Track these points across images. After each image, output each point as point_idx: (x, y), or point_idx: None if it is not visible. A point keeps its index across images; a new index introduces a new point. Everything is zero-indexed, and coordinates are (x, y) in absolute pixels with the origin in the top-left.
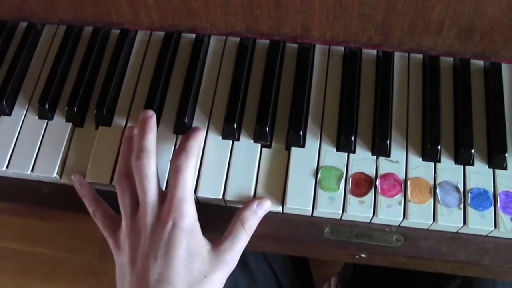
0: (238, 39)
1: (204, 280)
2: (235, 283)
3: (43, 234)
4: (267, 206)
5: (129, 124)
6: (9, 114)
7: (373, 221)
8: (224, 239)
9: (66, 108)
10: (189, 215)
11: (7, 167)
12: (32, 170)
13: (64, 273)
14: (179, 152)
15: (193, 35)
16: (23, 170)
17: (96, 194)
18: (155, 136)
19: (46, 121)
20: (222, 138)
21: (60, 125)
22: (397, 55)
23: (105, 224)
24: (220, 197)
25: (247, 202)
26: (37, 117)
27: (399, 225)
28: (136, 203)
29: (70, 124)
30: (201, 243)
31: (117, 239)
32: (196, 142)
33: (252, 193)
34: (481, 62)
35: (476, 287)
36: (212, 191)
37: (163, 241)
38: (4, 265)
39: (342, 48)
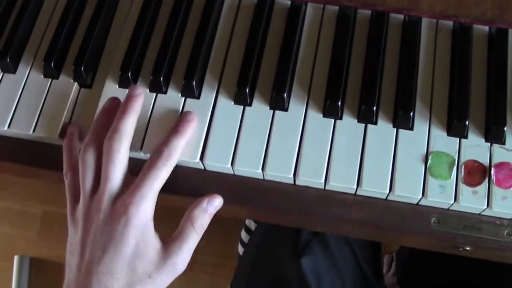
0: (337, 7)
1: (148, 280)
2: (315, 265)
3: None
4: (218, 203)
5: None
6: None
7: (483, 213)
8: (173, 240)
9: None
10: (144, 214)
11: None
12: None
13: None
14: (162, 148)
15: (288, 2)
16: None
17: (77, 155)
18: (136, 119)
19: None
20: (323, 117)
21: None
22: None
23: (70, 190)
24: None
25: (197, 200)
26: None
27: (511, 219)
28: (97, 182)
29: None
30: (151, 244)
31: (74, 211)
32: (185, 139)
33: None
34: None
35: None
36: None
37: (113, 234)
38: (50, 229)
39: (451, 23)
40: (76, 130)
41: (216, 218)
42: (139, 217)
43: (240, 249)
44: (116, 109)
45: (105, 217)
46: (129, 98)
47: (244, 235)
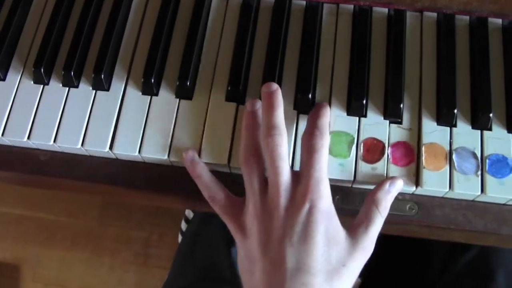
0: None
1: (343, 269)
2: None
3: (43, 199)
4: (400, 184)
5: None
6: (3, 79)
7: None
8: (360, 224)
9: (63, 72)
10: (326, 197)
11: (2, 134)
12: (28, 138)
13: (64, 237)
14: (312, 131)
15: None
16: (19, 137)
17: (212, 175)
18: (283, 112)
19: (42, 86)
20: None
21: (56, 90)
22: (409, 14)
23: (225, 209)
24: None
25: (379, 183)
26: (32, 82)
27: (413, 193)
28: (264, 183)
29: (67, 89)
30: (338, 228)
31: (241, 223)
32: (327, 119)
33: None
34: (499, 21)
35: (494, 258)
36: None
37: (300, 225)
38: (5, 229)
39: (352, 7)
40: (195, 152)
41: (166, 211)
42: (322, 202)
43: (180, 239)
44: (257, 110)
45: (286, 211)
46: (269, 94)
47: (183, 225)
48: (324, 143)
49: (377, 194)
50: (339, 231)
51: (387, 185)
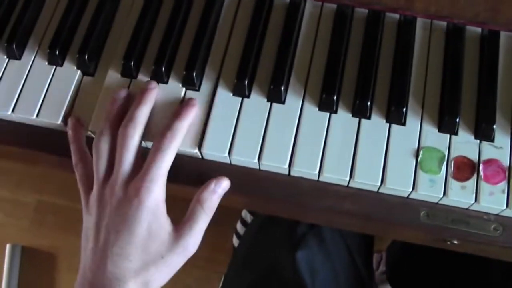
0: (335, 5)
1: (161, 260)
2: (310, 259)
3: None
4: (225, 184)
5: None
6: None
7: (471, 208)
8: (185, 222)
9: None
10: (156, 195)
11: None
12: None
13: None
14: (165, 132)
15: None
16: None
17: (84, 145)
18: (150, 110)
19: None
20: (319, 110)
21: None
22: (503, 34)
23: (82, 180)
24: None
25: (205, 183)
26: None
27: (498, 214)
28: (110, 169)
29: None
30: (163, 225)
31: (88, 199)
32: (187, 122)
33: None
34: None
35: None
36: None
37: (126, 217)
38: (44, 218)
39: (445, 24)
40: (78, 121)
41: None
42: (150, 199)
43: (235, 241)
44: (126, 101)
45: (118, 201)
46: (145, 91)
47: (240, 227)
48: (172, 146)
49: (203, 194)
50: (164, 228)
51: (212, 185)
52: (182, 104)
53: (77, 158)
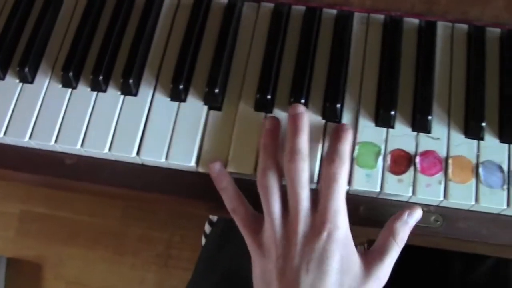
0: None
1: None
2: None
3: (66, 199)
4: (418, 214)
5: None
6: (32, 82)
7: (410, 201)
8: (376, 253)
9: (91, 77)
10: (343, 227)
11: (30, 137)
12: (55, 141)
13: (86, 237)
14: (333, 157)
15: (225, 0)
16: (46, 141)
17: (237, 188)
18: (308, 136)
19: (70, 89)
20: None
21: (84, 94)
22: (440, 24)
23: (246, 223)
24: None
25: (398, 212)
26: (60, 86)
27: (437, 205)
28: (283, 207)
29: (95, 93)
30: (353, 257)
31: (259, 241)
32: (349, 145)
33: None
34: None
35: None
36: None
37: (316, 253)
38: (28, 228)
39: (382, 17)
40: (221, 164)
41: (189, 214)
42: (339, 231)
43: (203, 241)
44: (277, 129)
45: (304, 238)
46: (296, 117)
47: (207, 227)
48: (343, 172)
49: (395, 224)
50: (354, 260)
51: (405, 216)
52: (338, 128)
53: (235, 205)
